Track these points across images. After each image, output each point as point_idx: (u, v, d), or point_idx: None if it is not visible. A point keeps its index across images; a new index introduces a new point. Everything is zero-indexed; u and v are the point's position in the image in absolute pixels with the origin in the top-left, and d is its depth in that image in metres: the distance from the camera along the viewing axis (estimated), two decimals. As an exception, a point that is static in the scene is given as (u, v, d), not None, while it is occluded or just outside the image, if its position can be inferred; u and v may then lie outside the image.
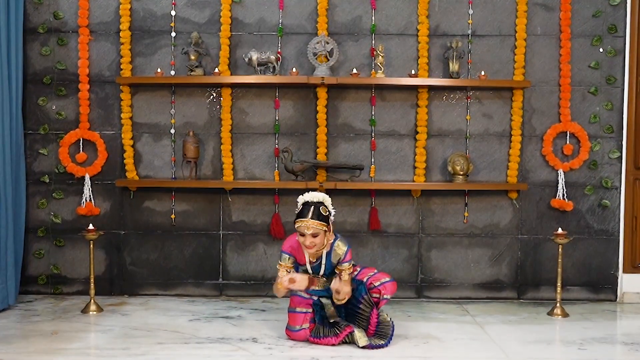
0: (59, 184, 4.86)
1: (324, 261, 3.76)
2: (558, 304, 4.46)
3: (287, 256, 3.77)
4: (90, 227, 4.40)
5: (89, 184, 4.82)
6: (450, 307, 4.67)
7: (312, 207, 3.63)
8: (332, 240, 3.74)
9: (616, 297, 4.91)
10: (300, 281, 3.69)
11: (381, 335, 3.69)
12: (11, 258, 4.47)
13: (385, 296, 3.70)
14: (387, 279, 3.75)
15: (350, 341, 3.67)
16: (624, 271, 4.90)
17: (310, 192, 3.75)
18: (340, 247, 3.74)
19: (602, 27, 4.81)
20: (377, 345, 3.64)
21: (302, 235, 3.63)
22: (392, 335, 3.71)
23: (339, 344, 3.67)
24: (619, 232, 4.89)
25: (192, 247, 4.90)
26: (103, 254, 4.88)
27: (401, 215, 4.88)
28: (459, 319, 4.36)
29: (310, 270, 3.79)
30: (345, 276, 3.71)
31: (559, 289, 4.46)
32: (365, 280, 3.74)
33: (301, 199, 3.71)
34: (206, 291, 4.90)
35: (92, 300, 4.41)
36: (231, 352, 3.60)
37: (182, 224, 4.89)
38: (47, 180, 4.85)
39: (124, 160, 4.82)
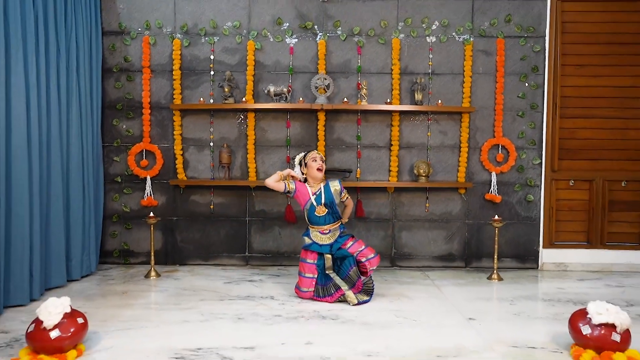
0: (127, 183, 4.89)
1: (323, 190, 3.79)
2: (495, 271, 4.48)
3: (292, 184, 3.80)
4: (151, 214, 4.44)
5: (150, 182, 4.85)
6: (416, 273, 4.69)
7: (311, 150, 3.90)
8: (325, 180, 3.88)
9: (538, 266, 4.93)
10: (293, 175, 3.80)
11: (366, 291, 3.67)
12: (93, 238, 4.51)
13: (371, 268, 3.68)
14: (372, 255, 3.70)
15: (343, 300, 3.68)
16: (544, 247, 4.92)
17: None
18: (335, 185, 3.83)
19: (527, 67, 4.83)
20: (362, 301, 3.63)
21: (315, 160, 3.78)
22: (373, 291, 3.71)
23: (333, 302, 3.68)
24: (539, 219, 4.92)
25: (225, 229, 4.92)
26: (160, 235, 4.91)
27: (380, 206, 4.90)
28: (422, 282, 4.38)
29: (314, 202, 3.75)
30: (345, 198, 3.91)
31: (495, 260, 4.49)
32: (355, 254, 3.71)
33: (299, 156, 3.86)
34: (236, 262, 4.92)
35: (152, 269, 4.44)
36: (255, 306, 3.63)
37: (219, 212, 4.91)
38: (119, 180, 4.87)
39: (176, 166, 4.85)
